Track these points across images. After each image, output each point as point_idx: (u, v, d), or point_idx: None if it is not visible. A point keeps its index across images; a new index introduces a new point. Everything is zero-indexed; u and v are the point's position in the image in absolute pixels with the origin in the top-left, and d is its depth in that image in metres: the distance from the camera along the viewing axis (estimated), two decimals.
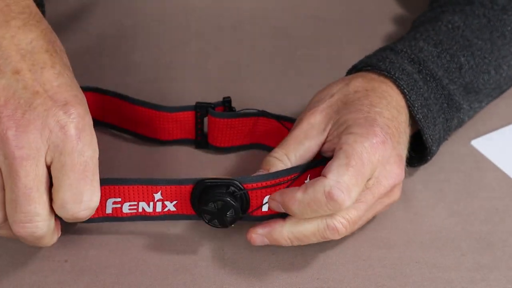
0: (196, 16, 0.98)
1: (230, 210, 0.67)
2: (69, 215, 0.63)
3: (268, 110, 0.78)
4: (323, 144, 0.70)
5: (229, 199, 0.67)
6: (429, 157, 0.76)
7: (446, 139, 0.78)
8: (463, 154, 0.81)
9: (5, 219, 0.63)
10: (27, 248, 0.71)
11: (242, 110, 0.79)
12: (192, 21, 0.97)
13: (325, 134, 0.70)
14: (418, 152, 0.77)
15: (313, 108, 0.72)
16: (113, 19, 0.96)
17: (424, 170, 0.79)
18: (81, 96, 0.63)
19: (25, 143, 0.60)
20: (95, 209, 0.64)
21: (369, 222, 0.74)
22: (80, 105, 0.62)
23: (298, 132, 0.71)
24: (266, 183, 0.68)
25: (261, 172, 0.69)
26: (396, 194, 0.71)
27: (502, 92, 0.84)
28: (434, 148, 0.75)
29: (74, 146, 0.61)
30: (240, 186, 0.67)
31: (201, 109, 0.79)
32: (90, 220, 0.68)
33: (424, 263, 0.71)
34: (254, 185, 0.68)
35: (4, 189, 0.62)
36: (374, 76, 0.74)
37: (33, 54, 0.63)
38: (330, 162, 0.67)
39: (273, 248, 0.71)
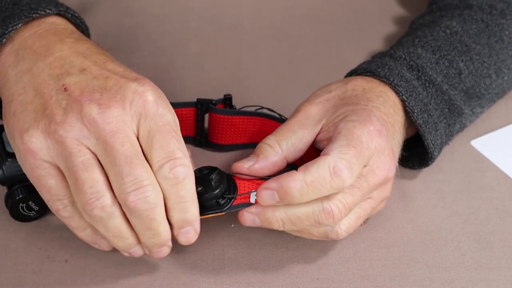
0: (196, 16, 0.98)
1: (217, 189, 0.67)
2: (171, 174, 0.63)
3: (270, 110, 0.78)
4: (317, 134, 0.71)
5: (215, 178, 0.67)
6: (430, 162, 0.76)
7: (448, 143, 0.78)
8: (463, 154, 0.81)
9: (114, 201, 0.63)
10: (27, 248, 0.71)
11: (242, 107, 0.79)
12: (192, 21, 0.97)
13: (320, 126, 0.70)
14: (418, 155, 0.77)
15: (311, 101, 0.72)
16: (113, 19, 0.96)
17: (424, 170, 0.79)
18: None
19: (112, 117, 0.62)
20: (190, 166, 0.64)
21: (369, 222, 0.74)
22: (149, 80, 0.65)
23: (293, 122, 0.71)
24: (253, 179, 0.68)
25: (252, 158, 0.69)
26: (388, 190, 0.71)
27: (504, 95, 0.84)
28: (436, 153, 0.76)
29: (155, 110, 0.64)
30: (223, 171, 0.67)
31: (202, 106, 0.79)
32: None
33: (424, 263, 0.71)
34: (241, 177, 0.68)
35: (105, 174, 0.63)
36: (372, 79, 0.74)
37: (92, 56, 0.66)
38: (330, 144, 0.67)
39: (273, 248, 0.71)
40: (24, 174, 0.70)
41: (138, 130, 0.63)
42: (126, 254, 0.67)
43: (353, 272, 0.70)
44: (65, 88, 0.64)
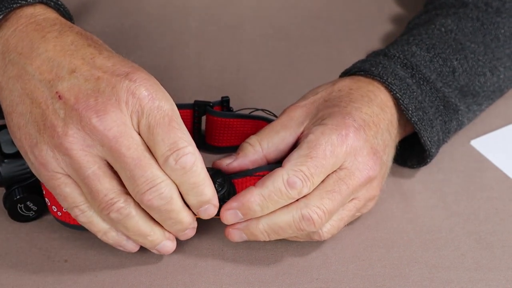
0: (196, 16, 0.98)
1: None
2: (177, 165, 0.63)
3: (267, 111, 0.78)
4: (299, 136, 0.71)
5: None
6: (428, 160, 0.76)
7: (446, 141, 0.78)
8: (463, 154, 0.81)
9: (129, 203, 0.64)
10: (27, 248, 0.71)
11: (240, 109, 0.79)
12: (192, 21, 0.97)
13: (302, 128, 0.71)
14: (417, 154, 0.77)
15: (297, 103, 0.73)
16: (113, 19, 0.97)
17: (423, 170, 0.79)
18: (137, 66, 0.66)
19: (111, 122, 0.62)
20: (196, 151, 0.64)
21: (369, 222, 0.74)
22: (141, 71, 0.65)
23: (276, 123, 0.72)
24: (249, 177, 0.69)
25: (232, 157, 0.71)
26: (375, 189, 0.71)
27: (502, 94, 0.84)
28: (433, 151, 0.76)
29: (151, 104, 0.63)
30: (226, 174, 0.69)
31: (199, 108, 0.79)
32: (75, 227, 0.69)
33: (424, 263, 0.71)
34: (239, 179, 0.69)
35: (117, 175, 0.64)
36: (362, 78, 0.75)
37: (78, 51, 0.65)
38: (293, 151, 0.68)
39: (273, 248, 0.71)
40: (22, 175, 0.70)
41: (139, 127, 0.64)
42: (154, 251, 0.68)
43: (353, 272, 0.70)
44: (59, 96, 0.63)
